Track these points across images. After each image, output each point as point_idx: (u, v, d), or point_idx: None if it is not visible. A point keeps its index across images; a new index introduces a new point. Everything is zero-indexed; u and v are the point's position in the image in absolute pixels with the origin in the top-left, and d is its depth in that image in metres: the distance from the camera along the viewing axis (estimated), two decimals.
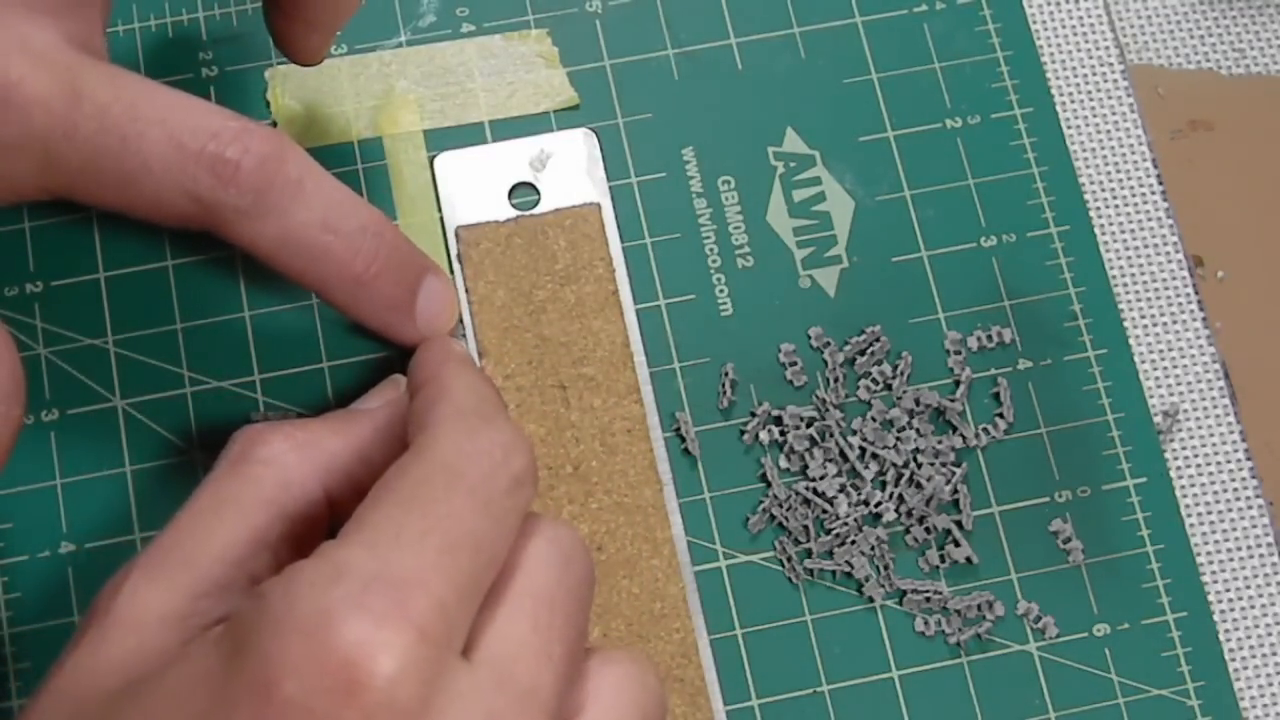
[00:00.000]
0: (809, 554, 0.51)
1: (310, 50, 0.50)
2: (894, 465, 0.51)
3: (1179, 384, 0.53)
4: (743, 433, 0.52)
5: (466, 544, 0.37)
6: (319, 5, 0.48)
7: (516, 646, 0.38)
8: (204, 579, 0.40)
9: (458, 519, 0.38)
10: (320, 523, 0.43)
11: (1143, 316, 0.54)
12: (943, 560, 0.51)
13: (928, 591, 0.50)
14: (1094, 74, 0.56)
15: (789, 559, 0.51)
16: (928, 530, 0.51)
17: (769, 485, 0.51)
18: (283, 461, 0.43)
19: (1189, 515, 0.52)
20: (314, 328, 0.52)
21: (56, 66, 0.44)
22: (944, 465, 0.51)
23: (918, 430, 0.52)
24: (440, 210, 0.53)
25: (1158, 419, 0.53)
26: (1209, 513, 0.52)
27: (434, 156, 0.54)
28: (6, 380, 0.42)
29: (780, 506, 0.51)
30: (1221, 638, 0.51)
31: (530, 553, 0.39)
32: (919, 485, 0.51)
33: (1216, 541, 0.52)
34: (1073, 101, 0.56)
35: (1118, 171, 0.55)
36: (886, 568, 0.51)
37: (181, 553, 0.41)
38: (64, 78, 0.44)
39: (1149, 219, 0.55)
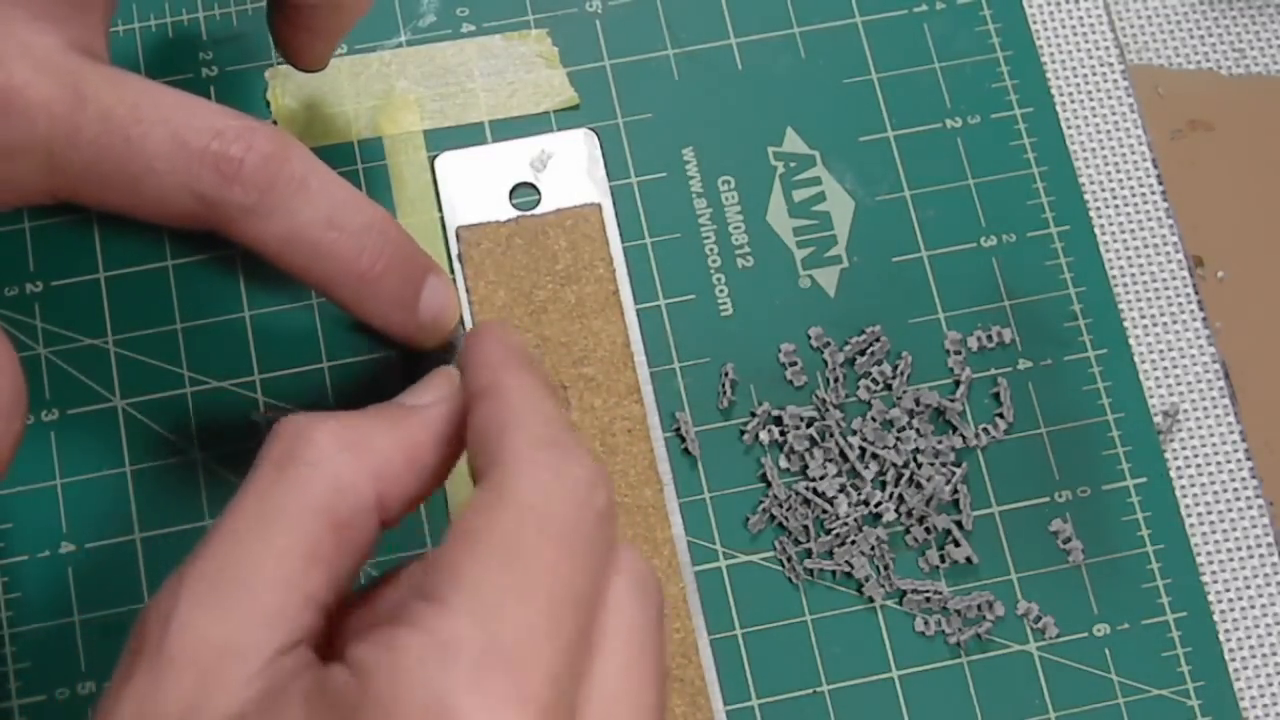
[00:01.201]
0: (809, 554, 0.51)
1: (314, 57, 0.50)
2: (894, 465, 0.51)
3: (1179, 384, 0.53)
4: (743, 433, 0.52)
5: (568, 601, 0.36)
6: (324, 13, 0.48)
7: (613, 701, 0.36)
8: (260, 605, 0.37)
9: (555, 574, 0.36)
10: (371, 532, 0.40)
11: (1143, 316, 0.54)
12: (943, 560, 0.51)
13: (928, 591, 0.50)
14: (1094, 74, 0.56)
15: (789, 559, 0.51)
16: (928, 530, 0.51)
17: (769, 485, 0.51)
18: (333, 464, 0.39)
19: (1189, 515, 0.52)
20: (314, 328, 0.52)
21: (59, 71, 0.44)
22: (944, 465, 0.51)
23: (918, 430, 0.52)
24: (441, 210, 0.53)
25: (1158, 419, 0.53)
26: (1209, 513, 0.52)
27: (435, 156, 0.54)
28: (7, 392, 0.42)
29: (780, 506, 0.51)
30: (1221, 638, 0.51)
31: (614, 591, 0.38)
32: (919, 485, 0.51)
33: (1216, 541, 0.52)
34: (1073, 101, 0.56)
35: (1118, 171, 0.55)
36: (886, 568, 0.51)
37: (233, 574, 0.38)
38: (67, 81, 0.44)
39: (1149, 219, 0.55)
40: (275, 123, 0.54)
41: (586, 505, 0.37)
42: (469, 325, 0.52)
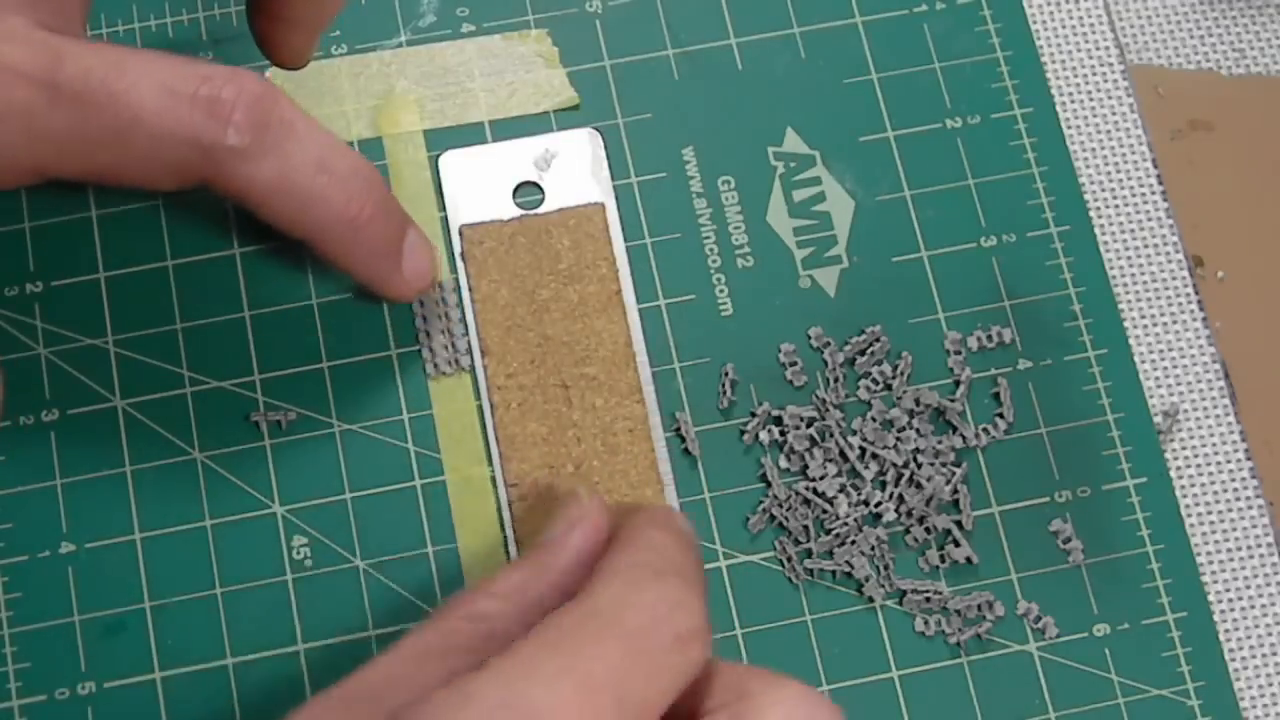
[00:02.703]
0: (809, 554, 0.51)
1: (293, 52, 0.50)
2: (894, 465, 0.51)
3: (1179, 384, 0.53)
4: (743, 433, 0.52)
5: (609, 689, 0.36)
6: (302, 2, 0.48)
7: None
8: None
9: (603, 662, 0.36)
10: None
11: (1143, 316, 0.54)
12: (943, 560, 0.51)
13: (928, 591, 0.50)
14: (1094, 74, 0.56)
15: (789, 559, 0.51)
16: (928, 530, 0.51)
17: (769, 485, 0.51)
18: (496, 616, 0.41)
19: (1189, 515, 0.52)
20: (314, 328, 0.52)
21: (32, 40, 0.44)
22: (944, 465, 0.51)
23: (918, 430, 0.52)
24: (444, 209, 0.53)
25: (1158, 419, 0.53)
26: (1209, 513, 0.52)
27: (438, 155, 0.54)
28: None
29: (780, 506, 0.51)
30: (1221, 638, 0.51)
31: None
32: (919, 485, 0.51)
33: (1216, 541, 0.52)
34: (1073, 101, 0.56)
35: (1118, 171, 0.55)
36: (886, 568, 0.51)
37: (371, 692, 0.39)
38: (41, 48, 0.44)
39: (1149, 219, 0.55)
40: None
41: (664, 621, 0.38)
42: (471, 324, 0.52)
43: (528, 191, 0.53)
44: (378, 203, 0.48)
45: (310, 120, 0.46)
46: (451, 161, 0.54)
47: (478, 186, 0.53)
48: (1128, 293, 0.54)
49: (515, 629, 0.40)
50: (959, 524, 0.51)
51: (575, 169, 0.54)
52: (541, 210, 0.53)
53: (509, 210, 0.53)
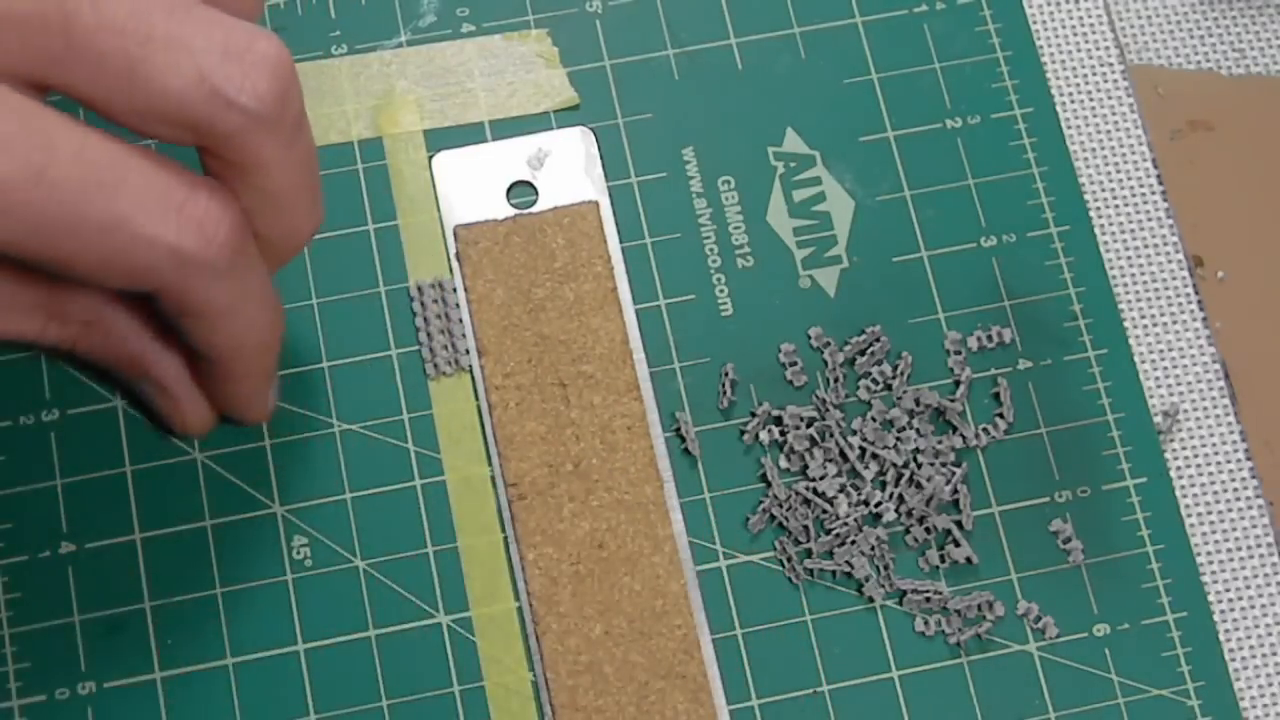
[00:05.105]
0: (809, 554, 0.51)
1: (257, 406, 0.49)
2: (894, 465, 0.51)
3: (1179, 384, 0.53)
4: (743, 433, 0.52)
5: None
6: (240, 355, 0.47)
7: None
8: None
9: None
10: None
11: (1143, 316, 0.54)
12: (943, 560, 0.51)
13: (928, 591, 0.50)
14: (1094, 74, 0.56)
15: (789, 559, 0.51)
16: (928, 530, 0.51)
17: (769, 485, 0.51)
18: None
19: (1189, 515, 0.52)
20: (313, 328, 0.52)
21: (24, 113, 0.41)
22: (944, 465, 0.51)
23: (918, 430, 0.52)
24: (439, 209, 0.53)
25: (1158, 419, 0.53)
26: (1209, 513, 0.52)
27: (432, 156, 0.54)
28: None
29: (780, 506, 0.51)
30: (1221, 638, 0.51)
31: None
32: (919, 485, 0.51)
33: (1216, 541, 0.52)
34: (1073, 101, 0.56)
35: (1118, 171, 0.55)
36: (886, 568, 0.51)
37: None
38: (34, 131, 0.41)
39: (1149, 219, 0.55)
40: None
41: None
42: (468, 324, 0.52)
43: (522, 191, 0.53)
44: (282, 325, 0.47)
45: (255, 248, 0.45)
46: (445, 162, 0.54)
47: (471, 187, 0.53)
48: (1128, 293, 0.54)
49: None
50: (959, 524, 0.51)
51: (568, 167, 0.54)
52: (536, 209, 0.53)
53: (503, 210, 0.53)
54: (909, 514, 0.51)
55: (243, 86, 0.42)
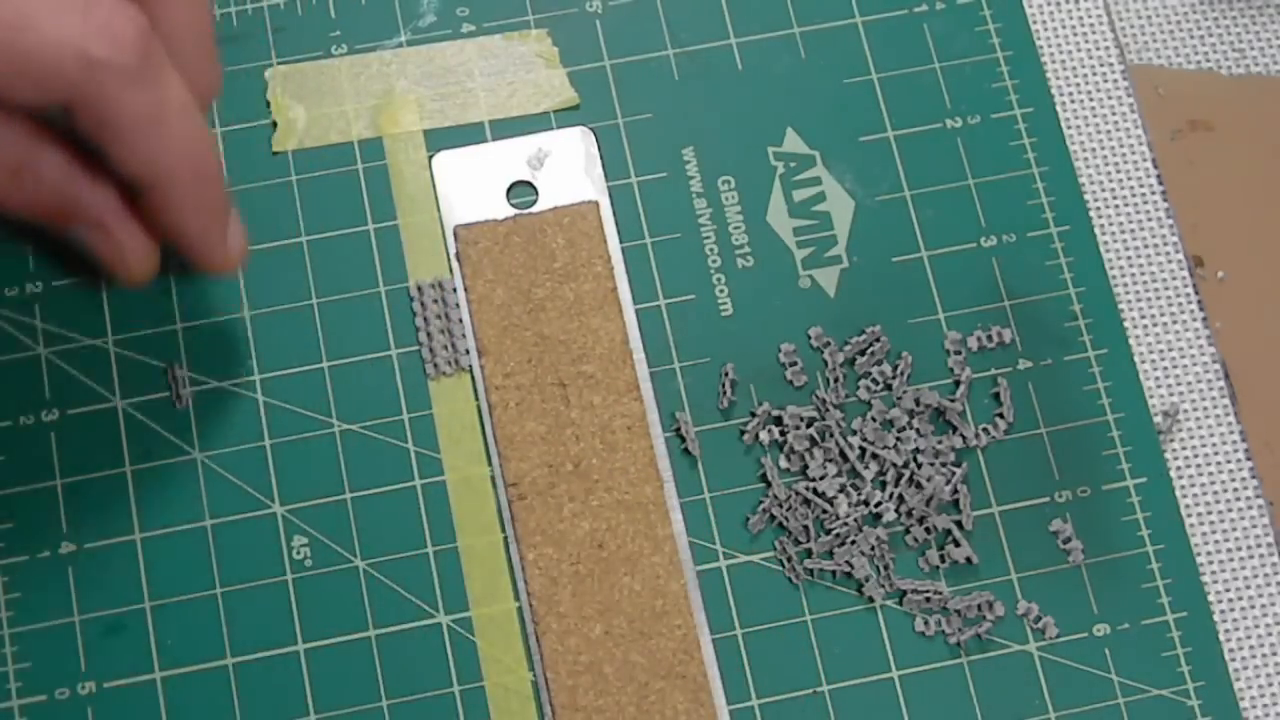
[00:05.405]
0: (809, 554, 0.51)
1: (214, 247, 0.48)
2: (894, 465, 0.51)
3: (1179, 384, 0.53)
4: (743, 433, 0.52)
5: None
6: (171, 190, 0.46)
7: None
8: None
9: None
10: None
11: (1143, 316, 0.54)
12: (943, 560, 0.51)
13: (928, 591, 0.50)
14: (1094, 74, 0.56)
15: (789, 559, 0.51)
16: (928, 530, 0.51)
17: (769, 485, 0.51)
18: None
19: (1189, 515, 0.52)
20: (314, 328, 0.52)
21: None
22: (944, 465, 0.51)
23: (918, 430, 0.52)
24: (439, 209, 0.53)
25: (1158, 419, 0.53)
26: (1209, 513, 0.52)
27: (432, 156, 0.54)
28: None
29: (780, 506, 0.51)
30: (1221, 638, 0.51)
31: None
32: (919, 485, 0.51)
33: (1216, 541, 0.52)
34: (1073, 101, 0.56)
35: (1118, 171, 0.55)
36: (886, 568, 0.51)
37: None
38: None
39: (1149, 219, 0.55)
40: (275, 123, 0.54)
41: None
42: (468, 324, 0.52)
43: (522, 191, 0.53)
44: (217, 159, 0.46)
45: (175, 69, 0.45)
46: (445, 162, 0.54)
47: (471, 187, 0.53)
48: (1128, 293, 0.54)
49: None
50: (959, 524, 0.51)
51: (568, 167, 0.54)
52: (536, 209, 0.53)
53: (503, 210, 0.53)
54: (909, 514, 0.51)
55: None
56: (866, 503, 0.51)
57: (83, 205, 0.46)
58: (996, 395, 0.52)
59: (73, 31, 0.42)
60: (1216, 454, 0.53)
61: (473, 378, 0.52)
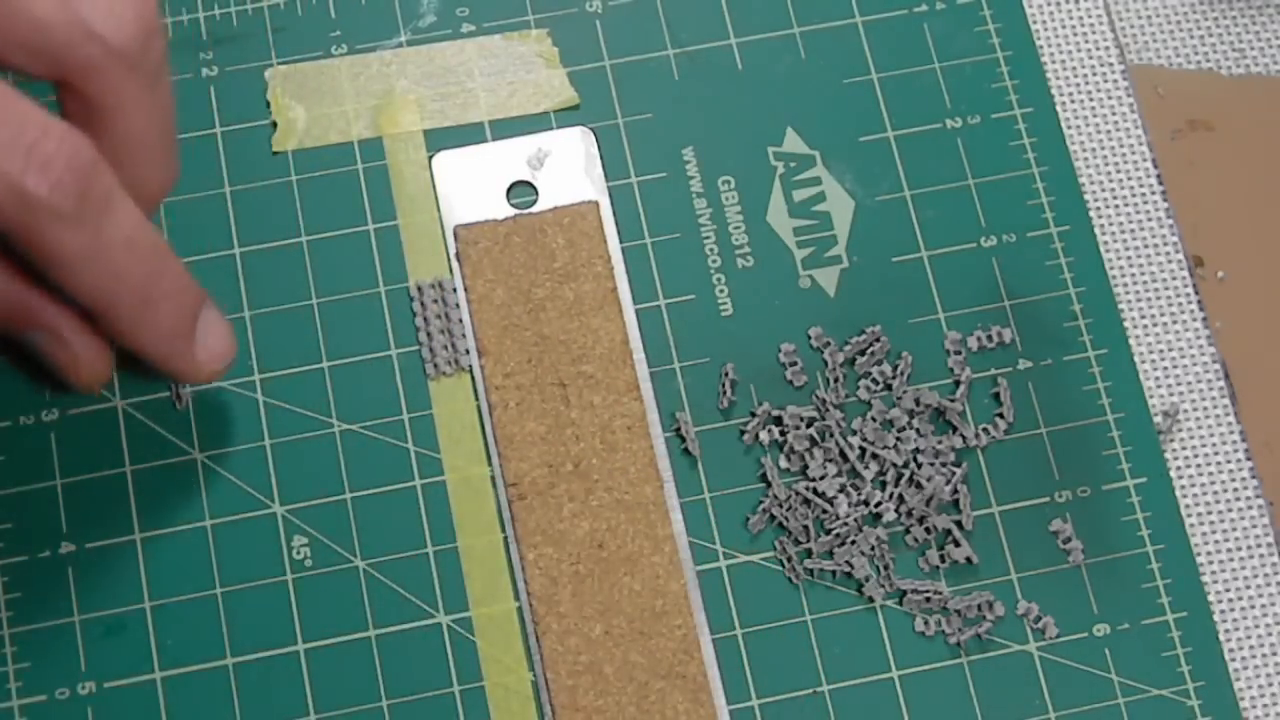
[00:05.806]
0: (809, 554, 0.51)
1: (178, 361, 0.48)
2: (894, 465, 0.51)
3: (1179, 384, 0.53)
4: (743, 433, 0.52)
5: None
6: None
7: None
8: None
9: None
10: None
11: (1143, 316, 0.54)
12: (943, 560, 0.51)
13: (928, 591, 0.50)
14: (1094, 74, 0.56)
15: (789, 559, 0.50)
16: (928, 530, 0.51)
17: (769, 485, 0.51)
18: None
19: (1189, 515, 0.52)
20: (314, 328, 0.52)
21: None
22: (944, 465, 0.51)
23: (918, 430, 0.52)
24: (439, 209, 0.53)
25: (1158, 419, 0.53)
26: (1209, 513, 0.52)
27: (432, 156, 0.54)
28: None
29: (780, 506, 0.51)
30: (1221, 638, 0.51)
31: None
32: (919, 485, 0.51)
33: (1216, 541, 0.52)
34: (1073, 101, 0.56)
35: (1118, 171, 0.55)
36: (886, 568, 0.51)
37: None
38: None
39: (1149, 219, 0.55)
40: (275, 124, 0.54)
41: None
42: (468, 324, 0.52)
43: (522, 191, 0.53)
44: (173, 281, 0.46)
45: (124, 195, 0.44)
46: (445, 162, 0.54)
47: (471, 187, 0.53)
48: (1128, 293, 0.54)
49: None
50: (959, 524, 0.51)
51: (568, 167, 0.54)
52: (536, 209, 0.53)
53: (503, 210, 0.53)
54: (909, 514, 0.51)
55: (107, 18, 0.42)
56: (866, 503, 0.51)
57: (38, 314, 0.46)
58: (996, 395, 0.52)
59: (11, 168, 0.41)
60: (1216, 454, 0.53)
61: (473, 378, 0.52)
